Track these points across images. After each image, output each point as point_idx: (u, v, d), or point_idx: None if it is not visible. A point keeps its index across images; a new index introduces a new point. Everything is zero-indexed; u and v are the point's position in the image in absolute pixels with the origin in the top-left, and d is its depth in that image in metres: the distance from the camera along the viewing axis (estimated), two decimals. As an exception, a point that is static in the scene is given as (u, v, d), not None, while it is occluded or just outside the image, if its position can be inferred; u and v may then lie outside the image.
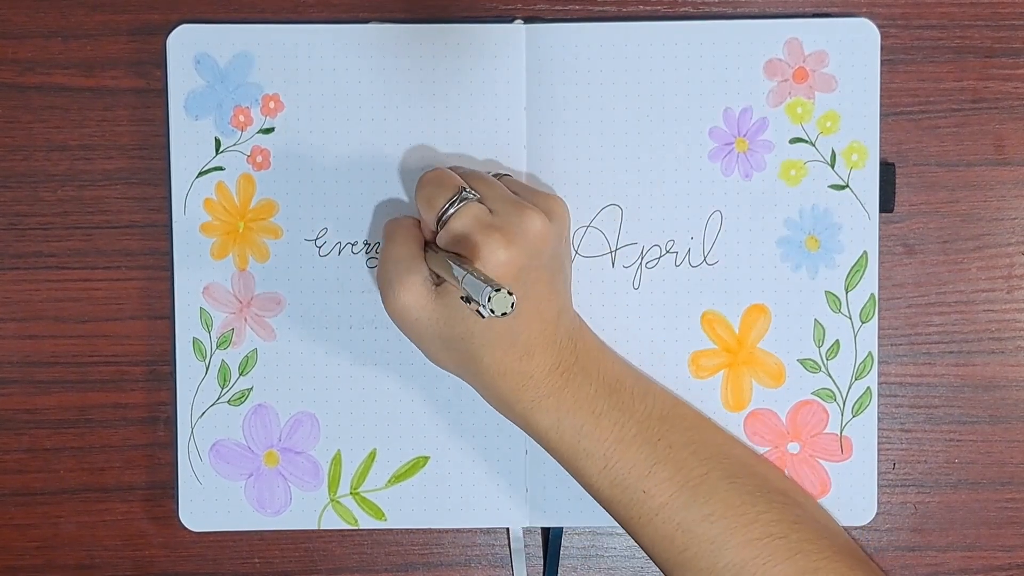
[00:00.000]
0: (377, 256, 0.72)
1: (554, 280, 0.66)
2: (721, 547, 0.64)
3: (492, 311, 0.57)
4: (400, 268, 0.65)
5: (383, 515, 0.73)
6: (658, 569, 0.67)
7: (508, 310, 0.57)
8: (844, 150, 0.71)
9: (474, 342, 0.64)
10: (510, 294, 0.57)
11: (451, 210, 0.64)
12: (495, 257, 0.62)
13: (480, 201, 0.64)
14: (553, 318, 0.66)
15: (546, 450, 0.67)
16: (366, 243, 0.72)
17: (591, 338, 0.69)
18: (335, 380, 0.72)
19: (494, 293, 0.57)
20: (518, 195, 0.66)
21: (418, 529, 0.74)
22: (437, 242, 0.65)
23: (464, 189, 0.65)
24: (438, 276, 0.65)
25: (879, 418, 0.72)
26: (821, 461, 0.72)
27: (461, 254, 0.63)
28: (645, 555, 0.73)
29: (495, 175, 0.69)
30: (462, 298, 0.60)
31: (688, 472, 0.65)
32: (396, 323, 0.67)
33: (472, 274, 0.59)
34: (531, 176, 0.72)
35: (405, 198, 0.72)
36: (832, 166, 0.71)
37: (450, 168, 0.67)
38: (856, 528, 0.73)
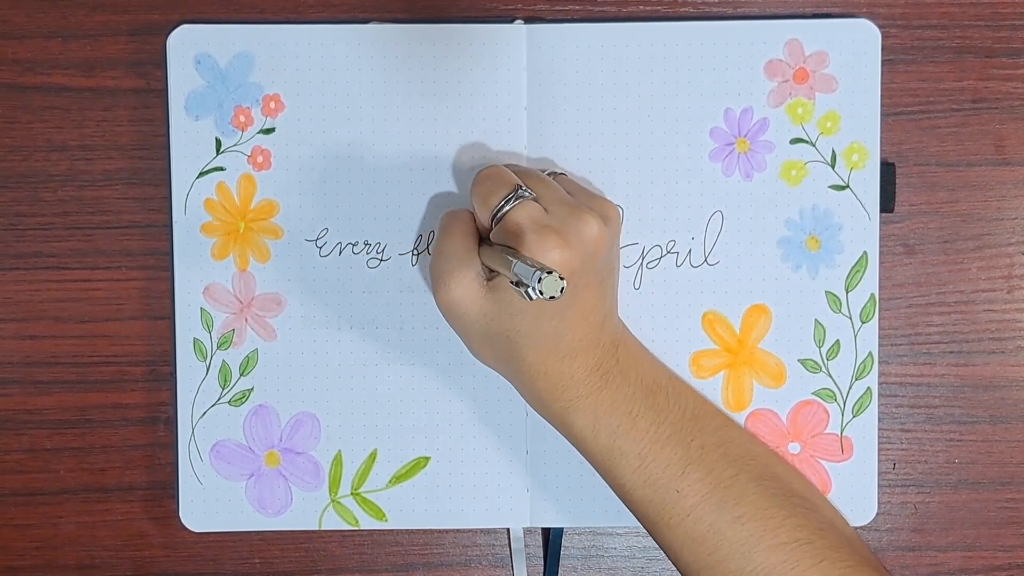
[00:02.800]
0: (378, 256, 0.72)
1: (603, 285, 0.66)
2: (751, 549, 0.64)
3: (541, 292, 0.57)
4: (453, 262, 0.65)
5: (384, 515, 0.73)
6: (677, 572, 0.67)
7: (557, 294, 0.57)
8: (844, 151, 0.71)
9: (519, 340, 0.64)
10: (561, 278, 0.57)
11: (507, 207, 0.63)
12: (549, 257, 0.61)
13: (536, 200, 0.64)
14: (599, 322, 0.65)
15: (580, 450, 0.67)
16: (366, 243, 0.72)
17: (632, 341, 0.69)
18: (336, 380, 0.72)
19: (545, 275, 0.57)
20: (574, 196, 0.66)
21: (418, 529, 0.74)
22: (491, 238, 0.65)
23: (520, 187, 0.64)
24: (490, 271, 0.65)
25: (879, 418, 0.72)
26: (821, 461, 0.72)
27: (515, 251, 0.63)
28: (648, 556, 0.74)
29: (550, 174, 0.69)
30: (512, 283, 0.60)
31: (719, 473, 0.65)
32: (445, 315, 0.66)
33: (524, 260, 0.59)
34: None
35: (405, 198, 0.72)
36: (832, 166, 0.71)
37: (507, 165, 0.67)
38: (856, 528, 0.73)
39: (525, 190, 0.64)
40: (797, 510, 0.66)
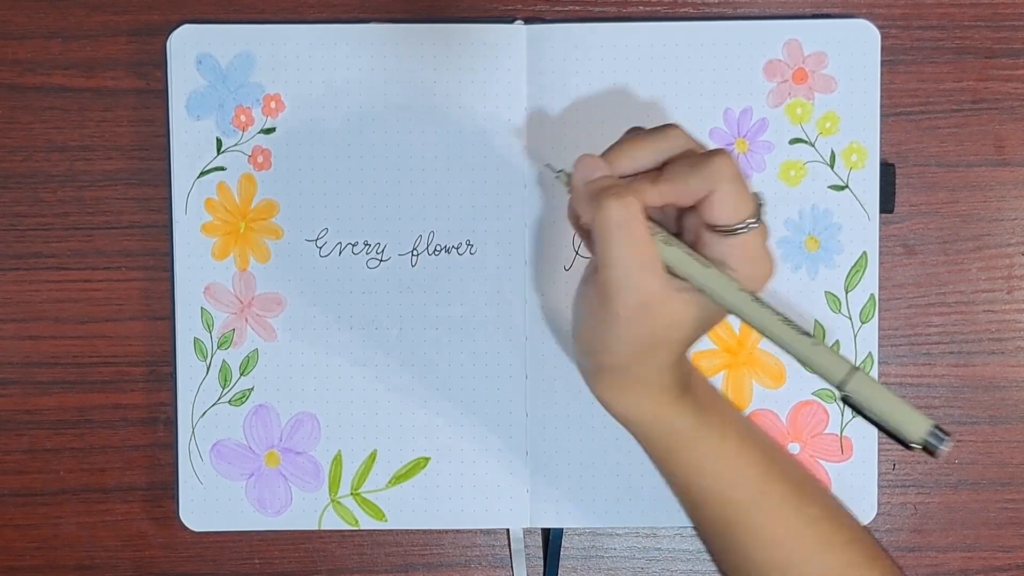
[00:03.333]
0: (378, 256, 0.72)
1: None
2: (826, 551, 0.62)
3: (931, 452, 0.53)
4: (649, 271, 0.57)
5: (383, 515, 0.73)
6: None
7: (944, 453, 0.54)
8: (843, 151, 0.71)
9: (700, 324, 0.58)
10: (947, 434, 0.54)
11: (750, 227, 0.56)
12: (762, 276, 0.57)
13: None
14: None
15: (664, 451, 0.62)
16: (366, 243, 0.72)
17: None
18: (335, 380, 0.72)
19: (948, 439, 0.53)
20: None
21: (418, 529, 0.74)
22: (712, 245, 0.57)
23: (762, 205, 0.57)
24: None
25: (879, 418, 0.72)
26: (821, 461, 0.72)
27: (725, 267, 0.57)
28: (648, 556, 0.74)
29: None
30: (883, 430, 0.55)
31: (793, 474, 0.63)
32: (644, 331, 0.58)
33: (901, 414, 0.54)
34: (531, 180, 0.71)
35: (405, 198, 0.72)
36: (831, 167, 0.71)
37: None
38: (856, 528, 0.73)
39: (763, 209, 0.58)
40: (844, 508, 0.65)
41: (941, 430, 0.53)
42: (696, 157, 0.57)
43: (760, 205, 0.57)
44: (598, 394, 0.61)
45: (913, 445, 0.54)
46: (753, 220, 0.56)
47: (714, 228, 0.57)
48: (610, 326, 0.58)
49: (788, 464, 0.64)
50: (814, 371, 0.55)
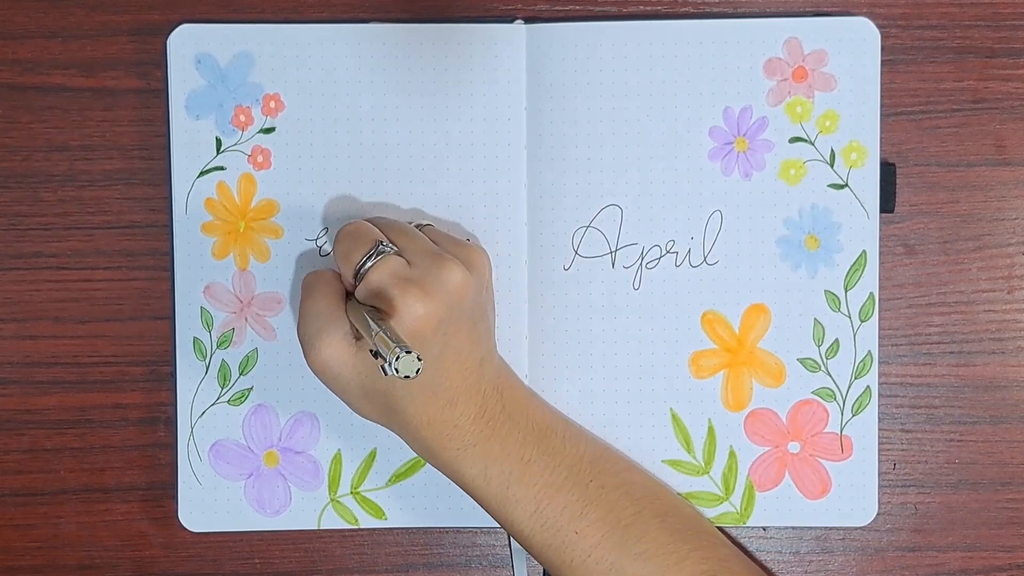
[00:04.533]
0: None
1: (475, 330, 0.66)
2: None
3: (397, 371, 0.57)
4: (320, 322, 0.64)
5: (383, 514, 0.73)
6: None
7: (412, 374, 0.58)
8: (843, 149, 0.71)
9: (396, 394, 0.64)
10: (419, 359, 0.58)
11: (368, 264, 0.64)
12: (412, 312, 0.62)
13: (399, 254, 0.64)
14: (475, 367, 0.66)
15: (474, 499, 0.67)
16: (366, 243, 0.72)
17: (519, 386, 0.70)
18: (335, 380, 0.72)
19: (403, 354, 0.57)
20: (439, 245, 0.66)
21: (418, 529, 0.74)
22: (356, 296, 0.65)
23: (381, 243, 0.64)
24: (358, 330, 0.64)
25: (880, 418, 0.72)
26: (821, 461, 0.72)
27: (380, 308, 0.63)
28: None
29: (417, 225, 0.69)
30: (371, 352, 0.61)
31: (620, 511, 0.66)
32: (319, 378, 0.66)
33: (384, 332, 0.59)
34: (531, 180, 0.72)
35: (405, 198, 0.72)
36: (831, 165, 0.71)
37: (371, 219, 0.67)
38: (857, 528, 0.73)
39: (386, 244, 0.64)
40: (702, 543, 0.67)
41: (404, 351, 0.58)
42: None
43: (373, 247, 0.64)
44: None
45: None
46: (366, 258, 0.64)
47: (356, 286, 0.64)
48: (332, 389, 0.67)
49: (618, 502, 0.66)
50: (379, 352, 0.60)
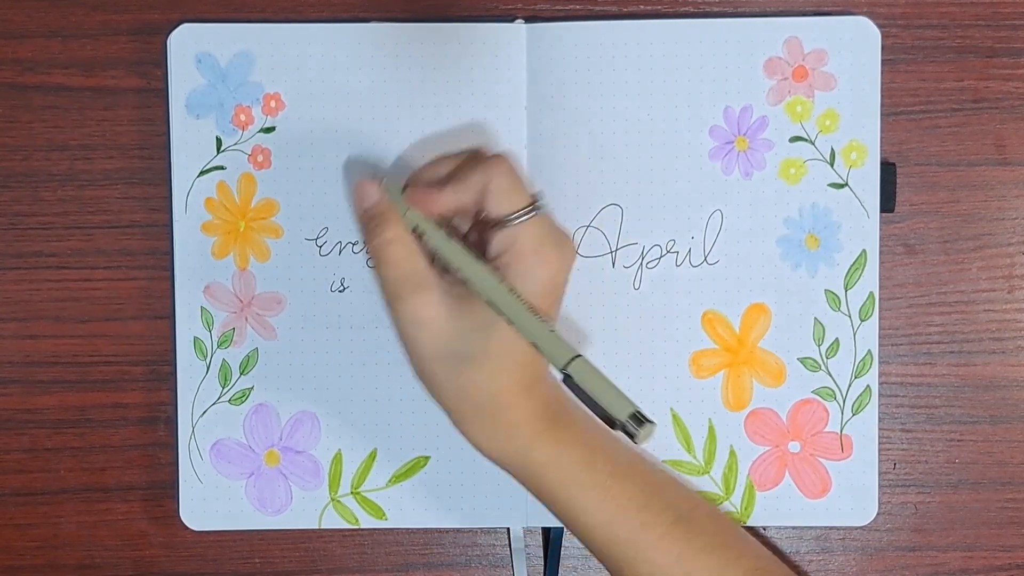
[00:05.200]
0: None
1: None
2: None
3: (633, 436, 0.58)
4: (419, 278, 0.63)
5: (384, 514, 0.73)
6: None
7: (646, 442, 0.60)
8: (843, 149, 0.71)
9: (491, 362, 0.62)
10: (650, 421, 0.59)
11: (523, 218, 0.62)
12: (546, 271, 0.62)
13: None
14: None
15: (537, 489, 0.66)
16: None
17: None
18: (335, 380, 0.72)
19: (647, 425, 0.59)
20: None
21: (418, 529, 0.74)
22: (492, 240, 0.63)
23: (538, 199, 0.63)
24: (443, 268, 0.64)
25: (880, 418, 0.72)
26: (822, 460, 0.72)
27: (494, 259, 0.63)
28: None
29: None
30: (563, 381, 0.61)
31: (679, 504, 0.66)
32: (407, 341, 0.64)
33: (608, 397, 0.60)
34: (531, 180, 0.71)
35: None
36: (831, 164, 0.71)
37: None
38: (857, 528, 0.73)
39: (541, 201, 0.64)
40: (749, 541, 0.67)
41: (643, 416, 0.59)
42: (475, 158, 0.65)
43: (536, 200, 0.63)
44: (469, 439, 0.65)
45: (625, 427, 0.59)
46: (527, 211, 0.62)
47: (493, 223, 0.62)
48: (404, 346, 0.64)
49: (675, 496, 0.66)
50: (543, 354, 0.61)
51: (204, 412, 0.72)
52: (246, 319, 0.72)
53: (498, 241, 0.63)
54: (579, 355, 0.60)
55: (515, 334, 0.62)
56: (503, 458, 0.65)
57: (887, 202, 0.72)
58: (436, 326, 0.63)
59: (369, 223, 0.64)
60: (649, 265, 0.72)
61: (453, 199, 0.64)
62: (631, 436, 0.59)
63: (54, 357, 0.74)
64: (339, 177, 0.72)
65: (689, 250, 0.72)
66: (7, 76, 0.73)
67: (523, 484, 0.66)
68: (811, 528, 0.73)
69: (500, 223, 0.63)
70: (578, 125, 0.71)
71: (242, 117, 0.72)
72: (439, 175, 0.65)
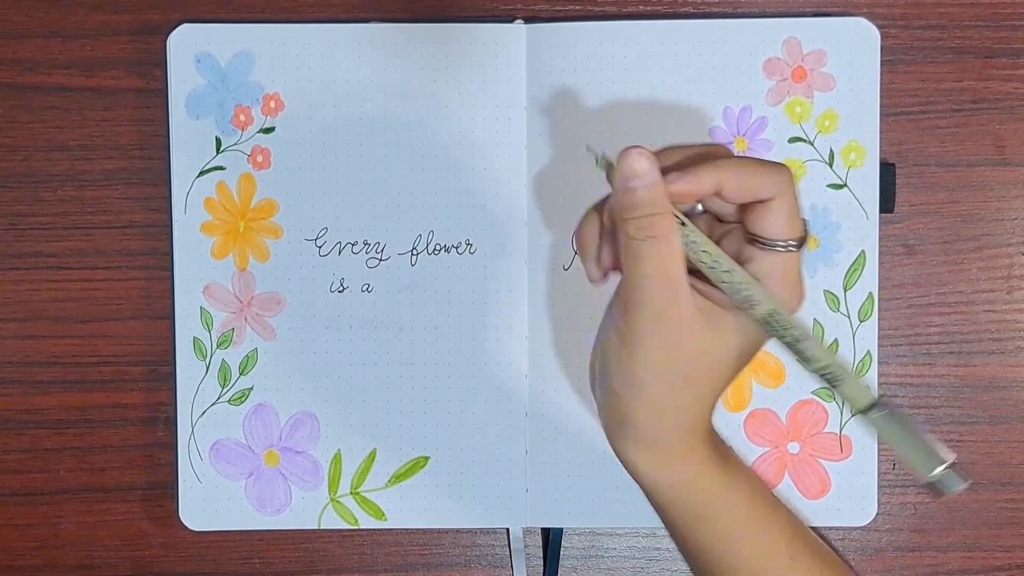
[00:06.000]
0: (377, 256, 0.72)
1: None
2: None
3: (937, 487, 0.51)
4: (670, 290, 0.53)
5: (383, 515, 0.73)
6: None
7: (958, 490, 0.51)
8: (842, 149, 0.71)
9: (719, 387, 0.56)
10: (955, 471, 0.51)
11: (794, 246, 0.54)
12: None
13: None
14: None
15: (684, 513, 0.58)
16: (365, 243, 0.72)
17: None
18: (335, 380, 0.72)
19: (962, 480, 0.51)
20: None
21: (418, 529, 0.74)
22: (754, 259, 0.53)
23: (808, 233, 0.55)
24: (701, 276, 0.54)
25: (879, 418, 0.72)
26: (821, 460, 0.72)
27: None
28: (648, 556, 0.74)
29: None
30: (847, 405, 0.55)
31: (812, 540, 0.61)
32: (650, 347, 0.53)
33: (920, 438, 0.51)
34: (530, 180, 0.71)
35: (404, 198, 0.72)
36: (831, 165, 0.71)
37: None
38: (856, 528, 0.73)
39: (808, 236, 0.55)
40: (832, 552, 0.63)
41: (956, 471, 0.51)
42: (763, 161, 0.54)
43: (807, 231, 0.54)
44: (623, 452, 0.56)
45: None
46: (796, 242, 0.53)
47: (758, 240, 0.53)
48: (632, 351, 0.53)
49: (806, 529, 0.61)
50: (843, 396, 0.53)
51: (204, 412, 0.72)
52: (245, 319, 0.72)
53: (759, 264, 0.53)
54: (881, 397, 0.52)
55: (715, 334, 0.54)
56: (668, 480, 0.57)
57: (886, 202, 0.72)
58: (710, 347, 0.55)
59: (639, 207, 0.52)
60: (649, 265, 0.72)
61: (727, 185, 0.53)
62: (940, 489, 0.51)
63: (54, 357, 0.74)
64: (339, 177, 0.72)
65: (689, 250, 0.72)
66: (7, 76, 0.73)
67: (672, 511, 0.58)
68: (811, 528, 0.73)
69: (765, 243, 0.53)
70: (578, 125, 0.71)
71: (242, 117, 0.72)
72: (674, 163, 0.54)
